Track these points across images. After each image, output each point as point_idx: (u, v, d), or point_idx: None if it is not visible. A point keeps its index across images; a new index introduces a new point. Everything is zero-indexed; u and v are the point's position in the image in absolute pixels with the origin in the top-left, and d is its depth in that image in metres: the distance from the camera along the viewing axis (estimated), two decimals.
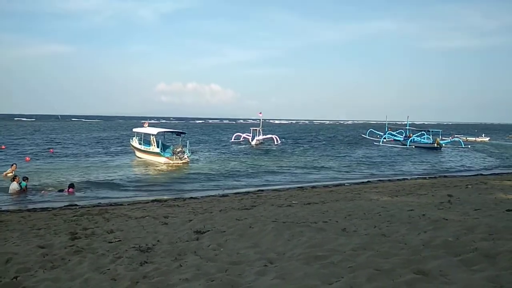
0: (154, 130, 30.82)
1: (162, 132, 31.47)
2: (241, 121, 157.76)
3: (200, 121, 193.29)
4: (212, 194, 18.25)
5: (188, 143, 31.14)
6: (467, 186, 16.21)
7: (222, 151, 39.22)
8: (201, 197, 17.15)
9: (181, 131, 33.37)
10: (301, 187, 20.08)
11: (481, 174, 25.44)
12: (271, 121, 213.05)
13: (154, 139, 29.55)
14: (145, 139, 31.20)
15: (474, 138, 66.22)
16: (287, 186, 20.81)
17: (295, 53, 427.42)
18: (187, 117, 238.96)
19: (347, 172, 27.29)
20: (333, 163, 31.97)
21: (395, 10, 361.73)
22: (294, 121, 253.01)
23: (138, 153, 31.83)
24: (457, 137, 60.00)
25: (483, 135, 72.75)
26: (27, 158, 28.61)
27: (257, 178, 23.64)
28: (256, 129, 48.88)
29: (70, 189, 18.15)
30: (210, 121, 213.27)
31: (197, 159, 31.87)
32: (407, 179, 23.31)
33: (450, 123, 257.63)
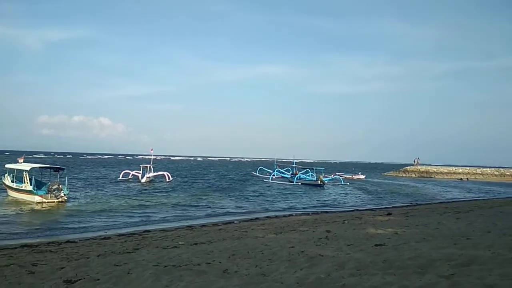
0: (27, 166, 28.05)
1: (36, 168, 28.79)
2: (140, 157, 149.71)
3: (90, 157, 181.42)
4: (92, 236, 16.91)
5: (66, 179, 28.84)
6: (344, 222, 17.41)
7: (108, 189, 36.94)
8: (80, 240, 15.77)
9: (59, 166, 30.85)
10: (190, 226, 19.69)
11: (357, 210, 27.63)
12: (164, 157, 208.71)
13: (27, 175, 26.84)
14: (18, 176, 28.20)
15: (352, 176, 72.35)
16: (176, 226, 20.23)
17: (191, 90, 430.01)
18: (74, 152, 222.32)
19: (237, 209, 27.55)
20: (224, 200, 32.16)
21: (284, 56, 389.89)
22: (189, 158, 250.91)
23: (10, 192, 28.55)
24: (337, 174, 64.88)
25: (360, 173, 79.92)
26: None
27: (144, 218, 22.61)
28: (147, 166, 47.31)
29: None
30: (105, 156, 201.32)
31: (77, 197, 29.53)
32: (292, 215, 24.31)
33: (338, 162, 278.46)
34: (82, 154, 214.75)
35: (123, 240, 15.46)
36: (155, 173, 48.93)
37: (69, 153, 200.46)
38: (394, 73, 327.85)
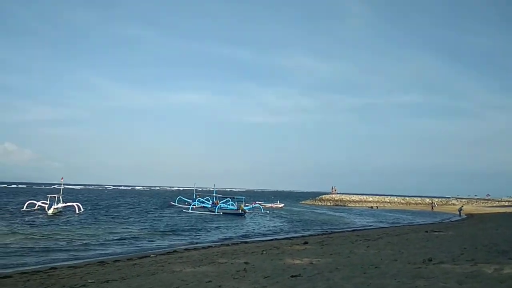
0: None
1: None
2: (54, 186, 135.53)
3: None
4: None
5: None
6: (262, 252, 17.50)
7: (7, 222, 33.45)
8: None
9: None
10: (102, 262, 18.47)
11: (276, 239, 27.97)
12: (83, 187, 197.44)
13: None
14: None
15: (271, 204, 73.66)
16: (86, 262, 18.87)
17: (103, 115, 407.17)
18: None
19: (152, 241, 26.49)
20: (139, 232, 30.79)
21: (206, 85, 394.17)
22: (106, 186, 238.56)
23: None
24: (257, 203, 65.68)
25: (279, 201, 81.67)
26: None
27: (51, 254, 20.75)
28: (55, 196, 44.02)
29: None
30: (13, 185, 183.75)
31: None
32: (211, 246, 23.92)
33: (258, 190, 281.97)
34: None
35: (25, 279, 14.08)
36: (64, 204, 45.66)
37: None
38: (306, 105, 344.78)
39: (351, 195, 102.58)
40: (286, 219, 48.03)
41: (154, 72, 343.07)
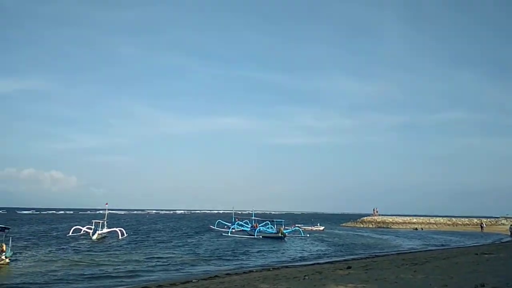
0: None
1: None
2: (99, 211, 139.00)
3: (32, 212, 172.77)
4: None
5: (10, 240, 26.85)
6: (304, 278, 17.15)
7: (54, 248, 34.50)
8: None
9: (4, 226, 28.72)
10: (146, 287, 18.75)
11: (318, 263, 27.37)
12: (126, 211, 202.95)
13: None
14: None
15: (311, 227, 72.42)
16: (131, 287, 19.23)
17: (145, 142, 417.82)
18: (17, 207, 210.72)
19: (194, 266, 26.59)
20: (181, 256, 31.00)
21: (245, 109, 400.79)
22: (146, 211, 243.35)
23: None
24: (297, 226, 64.80)
25: (319, 224, 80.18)
26: None
27: (98, 281, 21.21)
28: (99, 222, 45.25)
29: None
30: (60, 212, 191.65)
31: (20, 259, 27.28)
32: (252, 271, 23.70)
33: (297, 212, 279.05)
34: (25, 208, 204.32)
35: None
36: (109, 229, 46.76)
37: (8, 208, 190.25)
38: (345, 126, 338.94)
39: (394, 217, 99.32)
40: (327, 242, 47.01)
41: (195, 98, 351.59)
